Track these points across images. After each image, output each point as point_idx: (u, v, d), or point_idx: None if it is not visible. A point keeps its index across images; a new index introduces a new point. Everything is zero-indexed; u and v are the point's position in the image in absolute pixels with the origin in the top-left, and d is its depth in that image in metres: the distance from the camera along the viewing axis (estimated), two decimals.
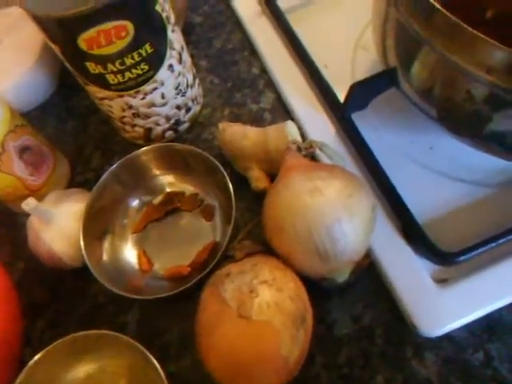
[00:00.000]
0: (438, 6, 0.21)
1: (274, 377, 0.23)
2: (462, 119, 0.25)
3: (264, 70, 0.43)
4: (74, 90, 0.44)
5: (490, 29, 0.31)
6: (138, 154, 0.33)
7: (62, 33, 0.27)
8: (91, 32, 0.26)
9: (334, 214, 0.25)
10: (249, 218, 0.35)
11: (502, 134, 0.24)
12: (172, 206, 0.36)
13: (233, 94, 0.42)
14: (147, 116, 0.35)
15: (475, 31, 0.20)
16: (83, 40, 0.27)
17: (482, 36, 0.20)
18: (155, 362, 0.26)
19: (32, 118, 0.44)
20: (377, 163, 0.32)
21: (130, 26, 0.28)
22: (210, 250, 0.33)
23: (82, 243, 0.29)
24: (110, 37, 0.27)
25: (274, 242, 0.27)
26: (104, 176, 0.32)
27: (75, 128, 0.43)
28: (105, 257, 0.31)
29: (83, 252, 0.29)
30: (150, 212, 0.35)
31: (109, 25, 0.26)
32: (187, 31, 0.48)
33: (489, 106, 0.22)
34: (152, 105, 0.35)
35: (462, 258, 0.28)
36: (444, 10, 0.21)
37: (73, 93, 0.45)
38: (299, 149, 0.29)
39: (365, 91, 0.32)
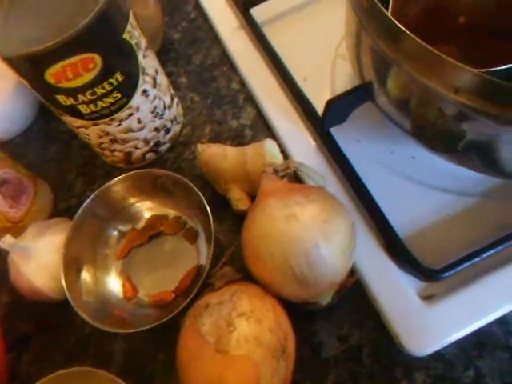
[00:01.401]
0: (404, 29, 0.20)
1: None
2: (436, 135, 0.25)
3: (244, 85, 0.42)
4: (55, 114, 0.44)
5: (463, 35, 0.31)
6: (110, 185, 0.32)
7: (27, 69, 0.27)
8: (57, 67, 0.26)
9: (311, 240, 0.24)
10: (232, 239, 0.35)
11: (476, 149, 0.23)
12: (155, 230, 0.35)
13: (213, 110, 0.42)
14: (125, 141, 0.35)
15: (441, 54, 0.19)
16: (50, 75, 0.27)
17: (448, 58, 0.19)
18: None
19: (14, 145, 0.44)
20: (358, 178, 0.32)
21: (96, 57, 0.27)
22: (194, 274, 0.33)
23: (62, 280, 0.29)
24: (77, 70, 0.27)
25: (253, 269, 0.26)
26: (79, 212, 0.31)
27: (57, 153, 0.43)
28: (87, 289, 0.31)
29: (64, 288, 0.29)
30: (133, 237, 0.35)
31: (74, 59, 0.26)
32: (166, 48, 0.47)
33: (460, 123, 0.22)
34: (129, 130, 0.34)
35: (446, 273, 0.28)
36: (410, 33, 0.20)
37: (54, 117, 0.45)
38: (276, 171, 0.29)
39: (342, 106, 0.32)
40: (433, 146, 0.27)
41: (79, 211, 0.31)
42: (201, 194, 0.31)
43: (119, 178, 0.32)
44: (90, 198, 0.32)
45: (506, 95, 0.18)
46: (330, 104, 0.31)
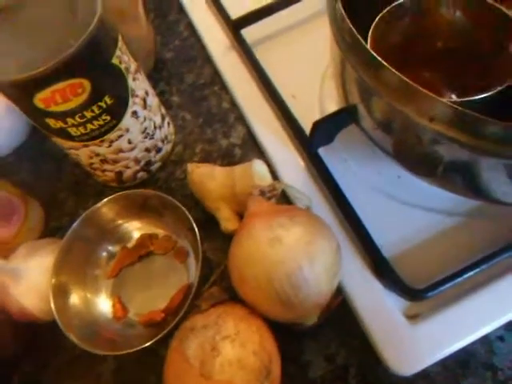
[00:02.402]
0: (384, 62, 0.21)
1: None
2: (416, 160, 0.26)
3: (234, 104, 0.43)
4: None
5: (444, 61, 0.31)
6: (98, 207, 0.33)
7: (16, 94, 0.27)
8: (46, 92, 0.26)
9: (294, 263, 0.25)
10: (222, 258, 0.35)
11: (454, 174, 0.24)
12: (145, 249, 0.35)
13: (204, 129, 0.42)
14: (115, 161, 0.36)
15: (417, 85, 0.20)
16: (39, 100, 0.27)
17: (423, 90, 0.20)
18: None
19: (5, 163, 0.44)
20: (344, 198, 0.32)
21: (85, 82, 0.28)
22: (183, 293, 0.33)
23: (52, 304, 0.29)
24: (65, 95, 0.27)
25: (239, 291, 0.27)
26: (67, 235, 0.32)
27: (49, 172, 0.43)
28: (77, 311, 0.31)
29: (54, 312, 0.29)
30: (123, 256, 0.35)
31: (63, 84, 0.27)
32: (158, 67, 0.48)
33: (438, 149, 0.23)
34: (119, 151, 0.35)
35: (430, 293, 0.28)
36: (389, 66, 0.21)
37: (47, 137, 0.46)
38: (262, 193, 0.29)
39: (328, 127, 0.32)
40: (414, 170, 0.27)
41: (67, 234, 0.32)
42: (189, 215, 0.32)
43: (107, 199, 0.33)
44: (78, 221, 0.32)
45: (475, 125, 0.19)
46: (316, 126, 0.32)
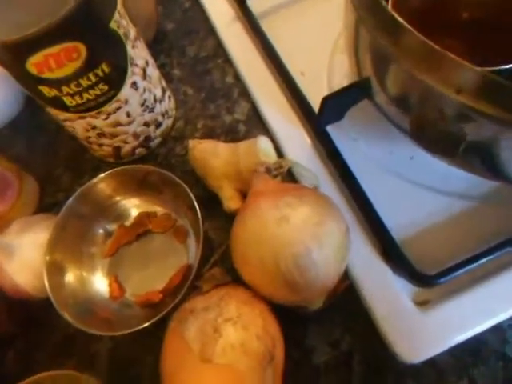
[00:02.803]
0: (405, 23, 0.19)
1: None
2: (436, 138, 0.24)
3: (239, 78, 0.41)
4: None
5: (466, 30, 0.29)
6: (94, 182, 0.31)
7: (8, 58, 0.25)
8: (38, 56, 0.25)
9: (302, 244, 0.23)
10: (224, 238, 0.34)
11: (477, 153, 0.22)
12: (143, 228, 0.34)
13: (207, 105, 0.41)
14: (113, 135, 0.34)
15: (444, 51, 0.18)
16: (32, 64, 0.25)
17: (452, 56, 0.18)
18: None
19: (0, 137, 0.43)
20: (353, 178, 0.31)
21: (81, 46, 0.26)
22: (183, 274, 0.32)
23: (46, 282, 0.28)
24: (60, 60, 0.25)
25: (242, 273, 0.25)
26: (62, 212, 0.30)
27: (45, 146, 0.41)
28: (72, 289, 0.30)
29: (48, 290, 0.28)
30: (121, 235, 0.34)
31: (56, 48, 0.25)
32: (159, 39, 0.46)
33: (462, 125, 0.21)
34: (117, 124, 0.33)
35: (441, 279, 0.27)
36: (411, 28, 0.19)
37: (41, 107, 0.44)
38: (269, 170, 0.28)
39: (338, 103, 0.30)
40: (432, 149, 0.26)
41: (62, 211, 0.30)
42: (190, 192, 0.30)
43: (104, 174, 0.31)
44: (73, 197, 0.30)
45: (509, 96, 0.17)
46: (325, 101, 0.30)
